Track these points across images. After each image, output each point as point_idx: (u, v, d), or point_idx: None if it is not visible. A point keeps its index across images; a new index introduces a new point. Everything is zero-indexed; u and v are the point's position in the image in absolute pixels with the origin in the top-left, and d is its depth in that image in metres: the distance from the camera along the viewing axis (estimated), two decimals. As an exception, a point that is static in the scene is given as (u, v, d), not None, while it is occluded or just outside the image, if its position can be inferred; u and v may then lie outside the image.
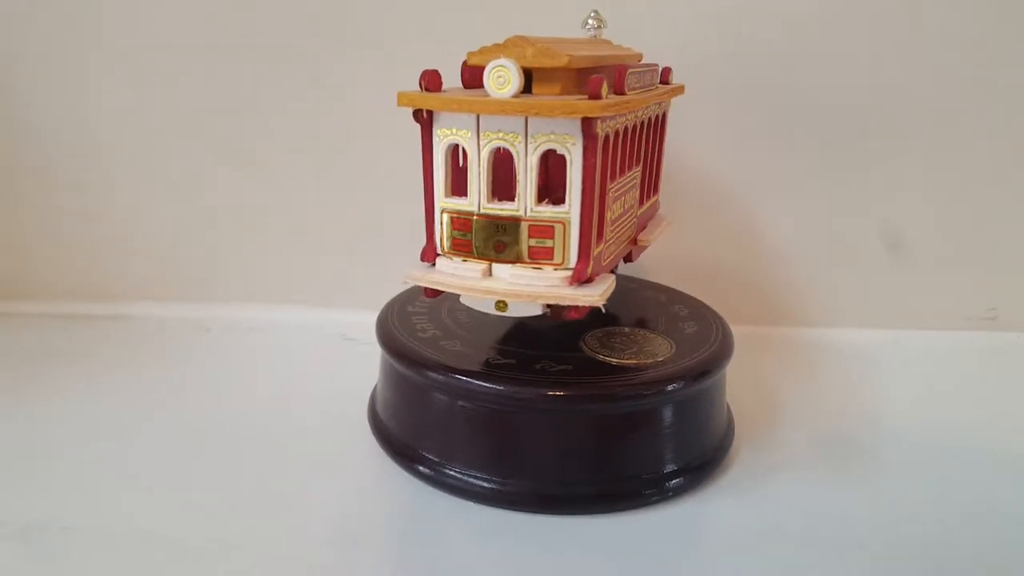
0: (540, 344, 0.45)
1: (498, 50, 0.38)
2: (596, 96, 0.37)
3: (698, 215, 0.63)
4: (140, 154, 0.64)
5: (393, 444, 0.45)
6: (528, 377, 0.41)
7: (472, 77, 0.41)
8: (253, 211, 0.65)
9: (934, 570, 0.38)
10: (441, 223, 0.40)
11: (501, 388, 0.40)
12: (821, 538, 0.40)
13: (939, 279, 0.64)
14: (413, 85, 0.39)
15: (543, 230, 0.39)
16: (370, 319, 0.49)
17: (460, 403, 0.42)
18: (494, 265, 0.40)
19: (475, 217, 0.39)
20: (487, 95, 0.37)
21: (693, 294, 0.54)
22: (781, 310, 0.65)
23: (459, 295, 0.40)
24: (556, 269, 0.39)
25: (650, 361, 0.43)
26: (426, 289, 0.40)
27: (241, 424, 0.49)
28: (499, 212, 0.39)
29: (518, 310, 0.39)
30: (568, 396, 0.40)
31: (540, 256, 0.39)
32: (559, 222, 0.38)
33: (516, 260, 0.39)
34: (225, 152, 0.63)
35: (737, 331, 0.48)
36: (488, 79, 0.36)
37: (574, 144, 0.37)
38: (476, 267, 0.39)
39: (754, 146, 0.61)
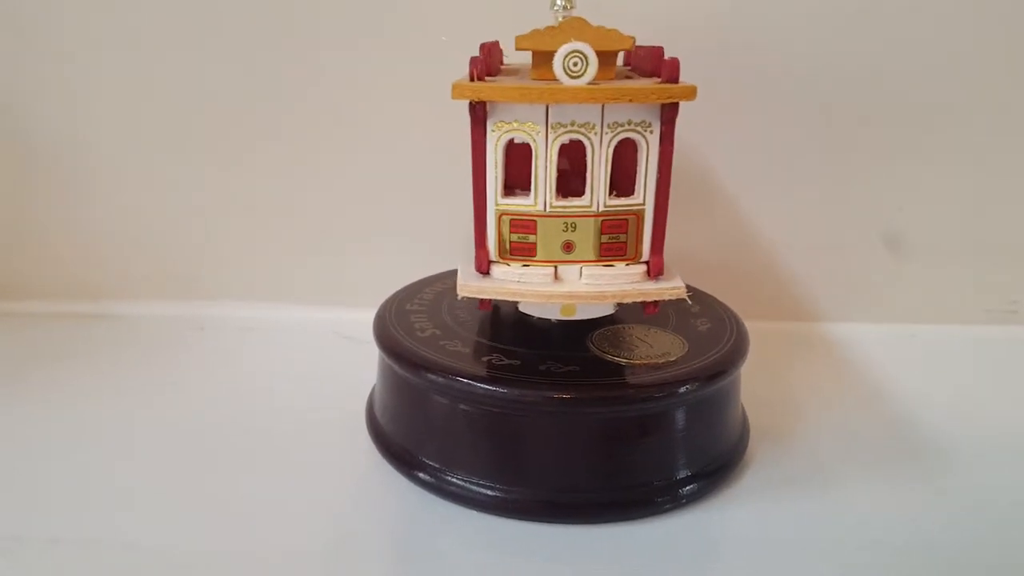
0: (545, 344, 0.43)
1: (555, 33, 0.35)
2: (674, 80, 0.35)
3: (709, 206, 0.61)
4: (132, 151, 0.62)
5: (392, 449, 0.43)
6: (533, 379, 0.39)
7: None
8: (247, 208, 0.63)
9: (964, 580, 0.36)
10: (497, 226, 0.37)
11: (504, 391, 0.38)
12: (845, 547, 0.38)
13: (958, 271, 0.62)
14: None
15: (616, 224, 0.37)
16: (367, 317, 0.47)
17: (462, 406, 0.40)
18: (560, 267, 0.37)
19: (542, 217, 0.36)
20: (555, 83, 0.34)
21: (704, 289, 0.52)
22: (795, 305, 0.63)
23: (508, 301, 0.38)
24: (629, 264, 0.37)
25: (662, 361, 0.41)
26: (481, 301, 0.38)
27: (234, 427, 0.47)
28: (569, 209, 0.36)
29: (587, 312, 0.38)
30: (575, 399, 0.38)
31: (612, 252, 0.37)
32: (632, 214, 0.37)
33: (586, 259, 0.37)
34: (218, 150, 0.62)
35: (750, 327, 0.46)
36: (561, 65, 0.34)
37: (651, 131, 0.35)
38: (544, 271, 0.37)
39: (768, 137, 0.59)
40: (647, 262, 0.38)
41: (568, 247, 0.37)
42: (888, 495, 0.42)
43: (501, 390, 0.38)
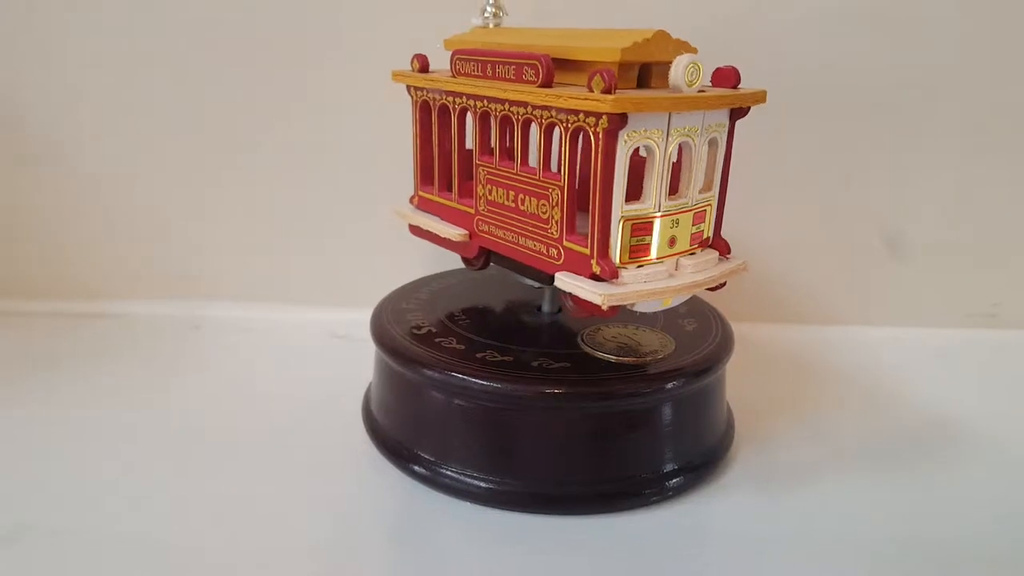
0: (538, 341, 0.44)
1: (651, 45, 0.37)
2: (736, 86, 0.39)
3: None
4: (128, 151, 0.63)
5: (388, 443, 0.45)
6: (525, 374, 0.40)
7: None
8: (242, 208, 0.64)
9: (939, 572, 0.37)
10: (620, 232, 0.38)
11: (498, 386, 0.40)
12: (824, 538, 0.39)
13: (940, 276, 0.64)
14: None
15: (701, 216, 0.40)
16: (362, 316, 0.48)
17: (456, 401, 0.41)
18: (666, 262, 0.39)
19: (657, 217, 0.38)
20: (672, 92, 0.37)
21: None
22: (781, 307, 0.65)
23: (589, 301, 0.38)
24: (704, 250, 0.40)
25: (649, 358, 0.42)
26: (611, 308, 0.37)
27: (231, 424, 0.48)
28: (674, 207, 0.39)
29: (678, 299, 0.40)
30: (566, 394, 0.39)
31: (695, 241, 0.40)
32: (708, 205, 0.40)
33: (682, 251, 0.39)
34: (214, 149, 0.63)
35: (736, 328, 0.48)
36: (683, 74, 0.36)
37: (723, 131, 0.39)
38: (659, 268, 0.38)
39: (754, 141, 0.60)
40: (712, 245, 0.41)
41: (672, 242, 0.39)
42: (869, 493, 0.43)
43: (495, 385, 0.40)
